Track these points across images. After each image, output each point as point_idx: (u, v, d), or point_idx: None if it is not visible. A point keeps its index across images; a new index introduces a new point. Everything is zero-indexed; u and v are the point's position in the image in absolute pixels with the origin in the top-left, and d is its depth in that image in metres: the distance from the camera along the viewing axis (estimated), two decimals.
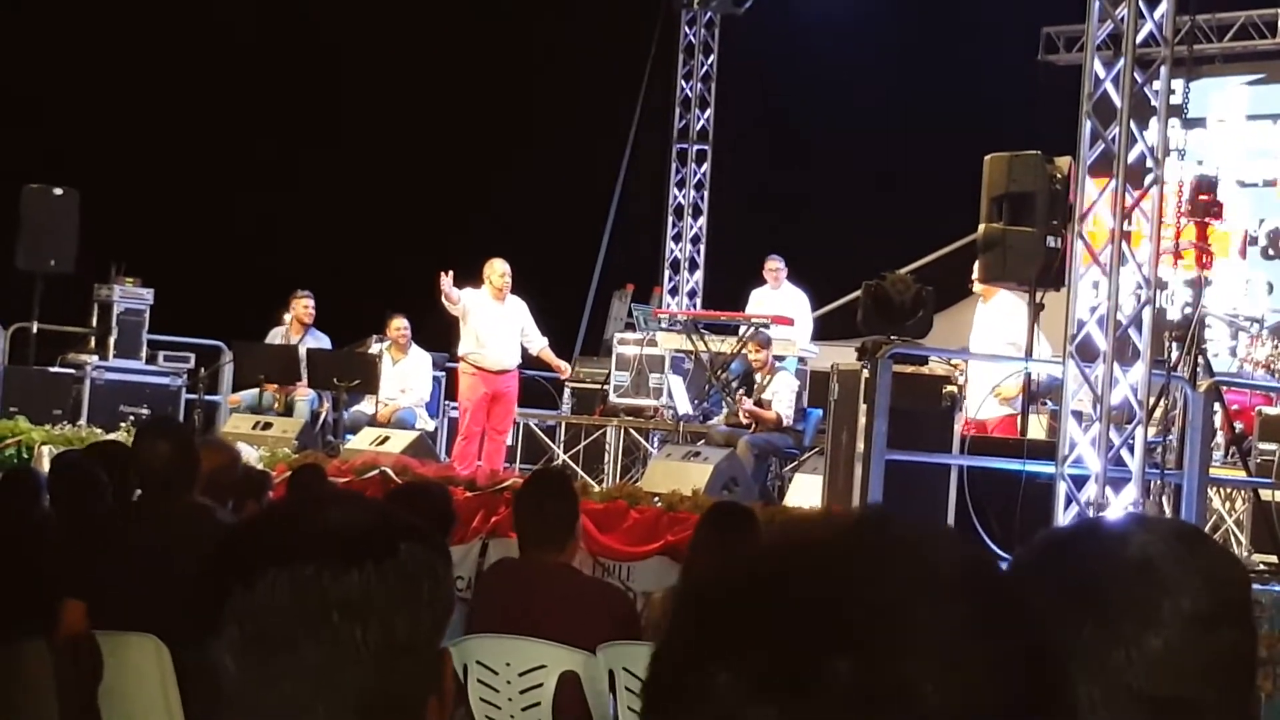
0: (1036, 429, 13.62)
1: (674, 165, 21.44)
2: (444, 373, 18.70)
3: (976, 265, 13.88)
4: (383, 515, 2.05)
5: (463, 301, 16.39)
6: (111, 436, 13.64)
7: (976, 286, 14.25)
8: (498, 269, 16.54)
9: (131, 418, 16.64)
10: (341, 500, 2.09)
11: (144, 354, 18.23)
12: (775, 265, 18.38)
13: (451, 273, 16.25)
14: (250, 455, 13.47)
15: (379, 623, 1.95)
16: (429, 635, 2.01)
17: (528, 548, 7.30)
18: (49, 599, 6.55)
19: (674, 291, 21.35)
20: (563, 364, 17.78)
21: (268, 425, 16.44)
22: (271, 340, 18.02)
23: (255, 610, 1.93)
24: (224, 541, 2.05)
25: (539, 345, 16.99)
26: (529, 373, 17.67)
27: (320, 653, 1.93)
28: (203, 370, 18.16)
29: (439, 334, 18.20)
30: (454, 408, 18.81)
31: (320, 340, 17.94)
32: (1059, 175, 13.03)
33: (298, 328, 17.93)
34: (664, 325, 18.32)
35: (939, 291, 13.87)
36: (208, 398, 18.03)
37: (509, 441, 17.34)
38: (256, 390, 17.59)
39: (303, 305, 18.01)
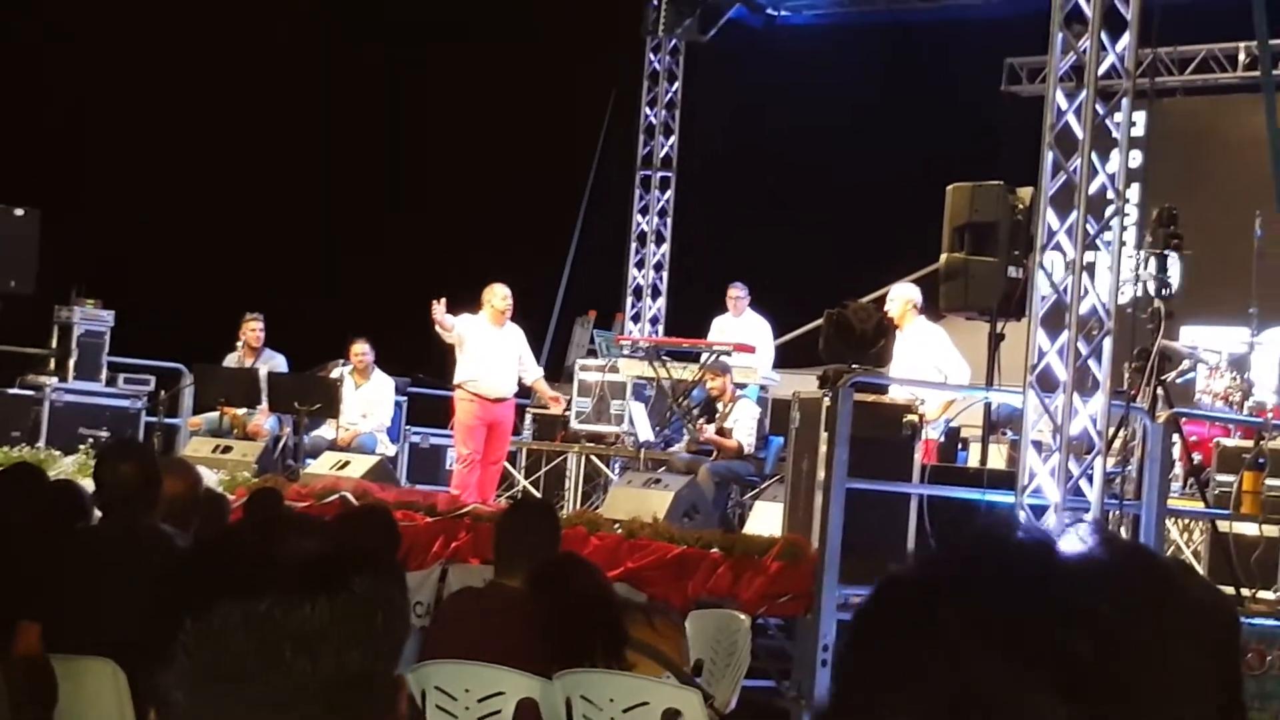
0: (996, 458, 13.67)
1: (638, 192, 21.46)
2: (406, 397, 18.68)
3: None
4: (336, 545, 2.03)
5: (458, 328, 16.09)
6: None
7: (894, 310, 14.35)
8: (499, 293, 16.25)
9: (91, 440, 16.57)
10: (295, 529, 2.07)
11: (104, 376, 18.18)
12: (738, 293, 18.38)
13: (444, 300, 16.00)
14: (210, 479, 13.42)
15: (332, 656, 1.93)
16: (383, 665, 1.99)
17: (501, 572, 7.33)
18: (3, 620, 6.50)
19: (636, 318, 21.35)
20: (557, 395, 17.61)
21: (228, 449, 16.40)
22: (228, 364, 17.94)
23: (206, 642, 1.92)
24: (176, 571, 2.04)
25: (534, 375, 16.83)
26: None
27: (272, 686, 1.92)
28: (163, 393, 18.11)
29: (403, 359, 18.19)
30: (415, 433, 18.80)
31: (276, 361, 17.85)
32: (1021, 205, 13.07)
33: (249, 351, 17.85)
34: (626, 352, 18.31)
35: None
36: (168, 420, 17.99)
37: None
38: (217, 413, 17.52)
39: (250, 328, 17.89)
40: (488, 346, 16.13)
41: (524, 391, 17.36)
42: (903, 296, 14.61)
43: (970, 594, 1.34)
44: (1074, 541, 1.38)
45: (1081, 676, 1.29)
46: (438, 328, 16.03)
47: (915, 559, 1.41)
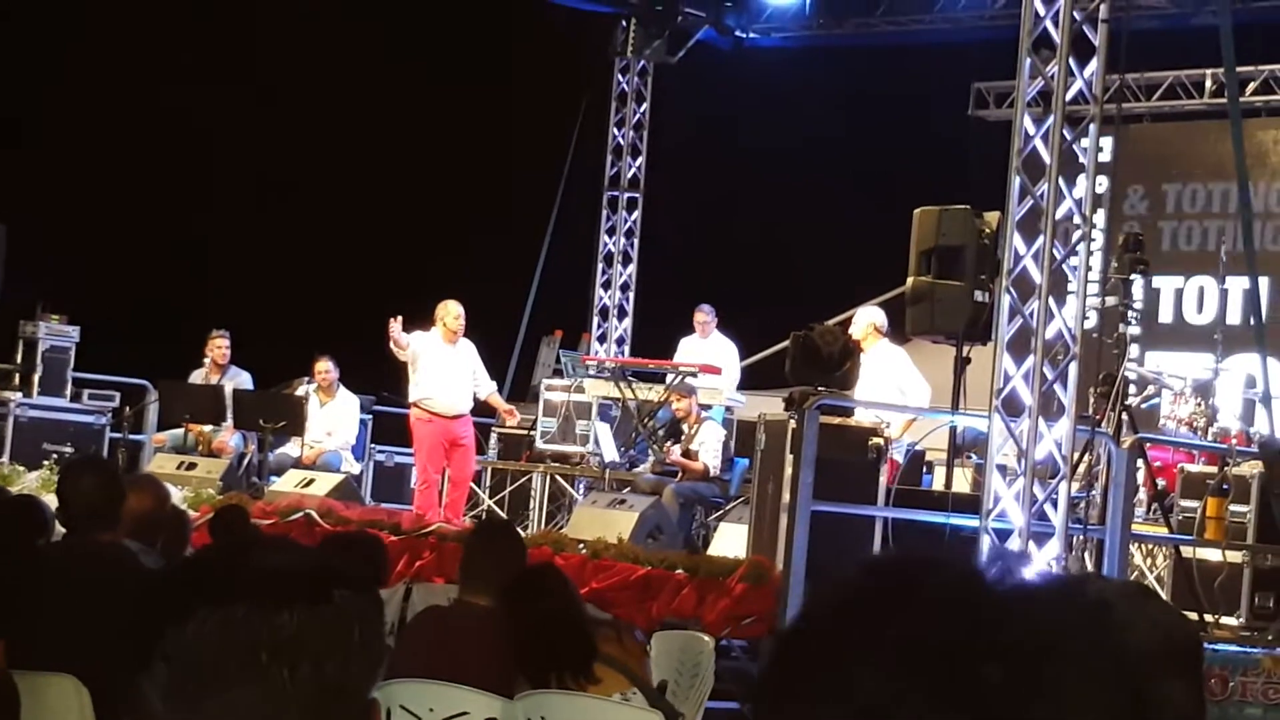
0: (961, 482, 13.68)
1: (605, 212, 21.48)
2: (371, 416, 18.65)
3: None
4: (319, 561, 2.03)
5: (412, 346, 16.03)
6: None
7: (856, 333, 14.39)
8: (452, 310, 16.18)
9: (55, 456, 16.52)
10: (278, 545, 2.08)
11: (69, 391, 18.12)
12: (704, 316, 18.36)
13: (400, 318, 15.93)
14: (175, 496, 13.37)
15: (308, 665, 1.93)
16: (358, 681, 1.99)
17: (466, 591, 7.33)
18: None
19: (603, 339, 21.36)
20: (511, 408, 17.62)
21: (192, 465, 16.36)
22: (193, 380, 17.88)
23: (185, 649, 1.91)
24: (158, 581, 2.04)
25: (487, 390, 16.74)
26: None
27: (248, 693, 1.91)
28: (128, 409, 18.05)
29: (369, 377, 18.13)
30: (380, 451, 18.77)
31: (242, 378, 17.80)
32: (988, 230, 13.10)
33: (214, 368, 17.79)
34: (592, 372, 18.29)
35: None
36: (132, 437, 17.93)
37: None
38: (182, 430, 17.47)
39: (217, 345, 17.82)
40: (441, 364, 16.10)
41: (487, 411, 17.33)
42: (866, 319, 14.66)
43: (883, 618, 1.34)
44: (1007, 571, 1.38)
45: (986, 705, 1.29)
46: (392, 345, 15.98)
47: (835, 581, 1.41)
